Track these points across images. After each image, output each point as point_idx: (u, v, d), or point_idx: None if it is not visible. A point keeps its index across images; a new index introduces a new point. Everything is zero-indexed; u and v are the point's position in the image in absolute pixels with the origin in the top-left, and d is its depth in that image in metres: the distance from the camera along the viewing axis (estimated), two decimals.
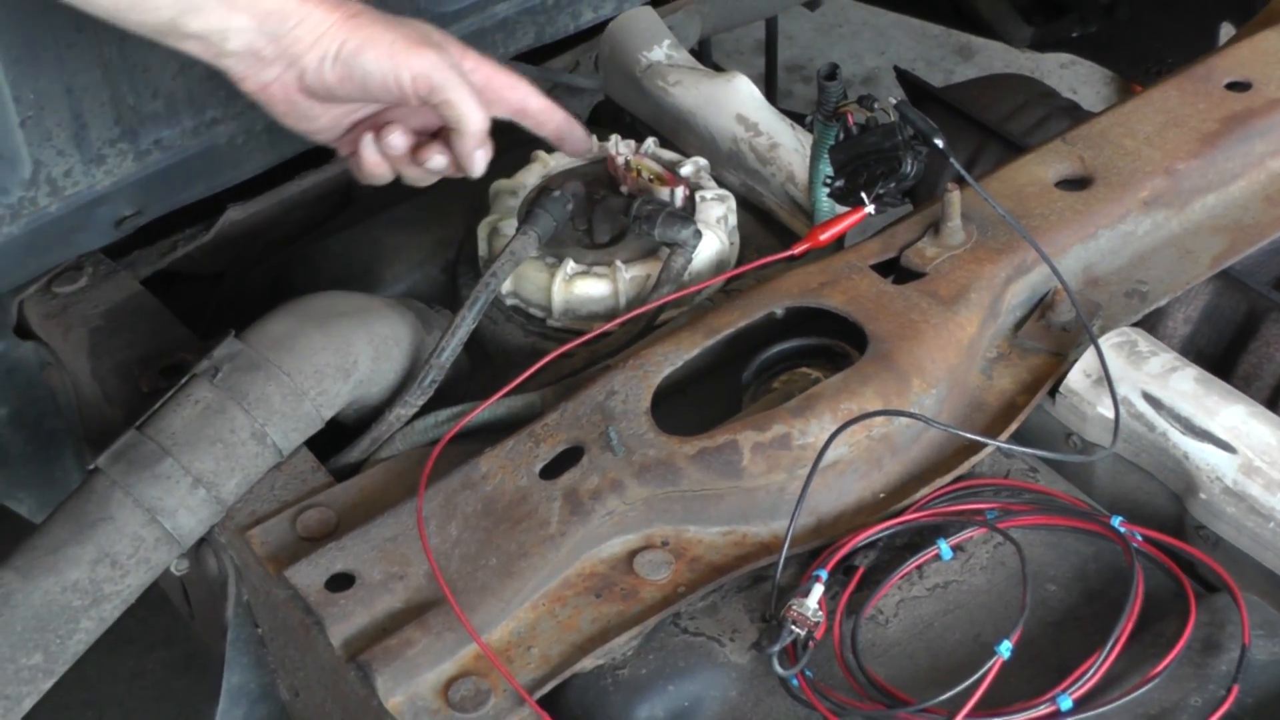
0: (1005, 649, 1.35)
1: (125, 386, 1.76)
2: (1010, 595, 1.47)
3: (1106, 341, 1.63)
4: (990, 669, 1.34)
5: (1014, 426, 1.60)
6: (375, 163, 1.63)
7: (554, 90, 2.21)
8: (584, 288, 1.78)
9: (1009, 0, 3.00)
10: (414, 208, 1.98)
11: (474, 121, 1.57)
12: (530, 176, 1.90)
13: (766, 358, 1.67)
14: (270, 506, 1.58)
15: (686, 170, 1.89)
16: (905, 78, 2.42)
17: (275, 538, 1.54)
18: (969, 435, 1.58)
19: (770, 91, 3.16)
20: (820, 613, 1.41)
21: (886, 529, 1.51)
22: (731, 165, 2.01)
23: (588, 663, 1.43)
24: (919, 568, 1.49)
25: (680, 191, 1.83)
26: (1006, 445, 1.58)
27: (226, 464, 1.55)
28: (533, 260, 1.78)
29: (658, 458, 1.52)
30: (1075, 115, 2.23)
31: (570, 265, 1.78)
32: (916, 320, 1.63)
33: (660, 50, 2.13)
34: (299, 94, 1.56)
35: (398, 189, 1.69)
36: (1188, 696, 1.36)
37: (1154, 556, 1.48)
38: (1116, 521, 1.47)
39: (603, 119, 2.22)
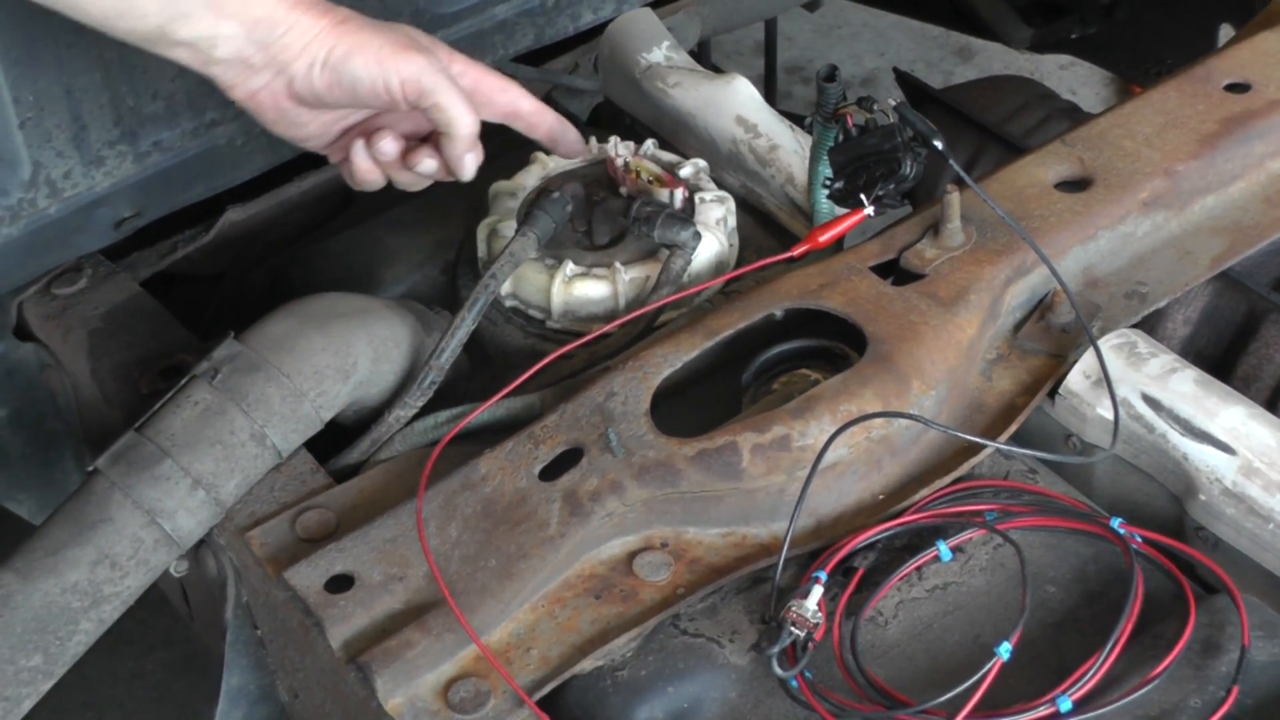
0: (1005, 650, 1.35)
1: (125, 388, 1.76)
2: (1010, 597, 1.47)
3: (1106, 343, 1.63)
4: (990, 670, 1.34)
5: (1013, 428, 1.60)
6: (367, 169, 1.63)
7: (554, 92, 2.21)
8: (583, 289, 1.78)
9: (1008, 1, 3.00)
10: (413, 209, 1.98)
11: (464, 125, 1.57)
12: (529, 178, 1.90)
13: (766, 359, 1.67)
14: (270, 508, 1.58)
15: (686, 172, 1.89)
16: (904, 79, 2.42)
17: (275, 539, 1.54)
18: (968, 437, 1.58)
19: (770, 93, 3.17)
20: (820, 614, 1.41)
21: (886, 530, 1.51)
22: (731, 167, 2.01)
23: (587, 664, 1.43)
24: (918, 569, 1.49)
25: (679, 193, 1.83)
26: (1006, 447, 1.58)
27: (226, 465, 1.55)
28: (532, 262, 1.78)
29: (657, 459, 1.52)
30: (1075, 116, 2.23)
31: (569, 267, 1.78)
32: (916, 322, 1.63)
33: (660, 52, 2.13)
34: (288, 101, 1.56)
35: (397, 191, 1.69)
36: (1187, 698, 1.36)
37: (1153, 558, 1.48)
38: (1116, 523, 1.47)
39: (602, 120, 2.22)
